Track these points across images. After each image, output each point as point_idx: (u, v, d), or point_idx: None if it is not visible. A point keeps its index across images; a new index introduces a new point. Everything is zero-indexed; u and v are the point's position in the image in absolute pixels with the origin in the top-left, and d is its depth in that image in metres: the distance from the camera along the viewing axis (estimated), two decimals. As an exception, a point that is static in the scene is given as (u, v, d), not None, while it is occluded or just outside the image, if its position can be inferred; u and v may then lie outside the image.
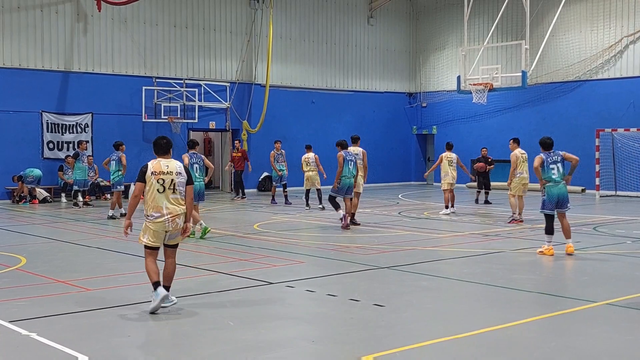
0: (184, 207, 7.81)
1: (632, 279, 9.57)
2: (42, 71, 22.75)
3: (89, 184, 21.62)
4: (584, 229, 14.68)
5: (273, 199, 21.51)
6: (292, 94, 28.19)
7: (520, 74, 22.79)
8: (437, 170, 19.67)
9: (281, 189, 21.46)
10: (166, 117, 24.74)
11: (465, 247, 12.51)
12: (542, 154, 11.55)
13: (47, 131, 22.90)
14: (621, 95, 24.89)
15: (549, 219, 11.38)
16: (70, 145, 23.20)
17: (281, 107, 27.59)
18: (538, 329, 6.98)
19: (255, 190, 27.20)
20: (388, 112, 31.05)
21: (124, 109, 24.26)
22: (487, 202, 21.45)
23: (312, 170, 19.84)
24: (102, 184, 23.27)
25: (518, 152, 16.04)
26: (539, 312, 7.62)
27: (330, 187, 15.44)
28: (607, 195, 23.71)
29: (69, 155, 22.23)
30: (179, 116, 25.03)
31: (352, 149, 15.85)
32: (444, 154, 18.60)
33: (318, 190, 19.84)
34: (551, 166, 11.40)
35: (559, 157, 11.50)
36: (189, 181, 7.88)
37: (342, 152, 15.17)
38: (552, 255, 11.20)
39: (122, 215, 17.01)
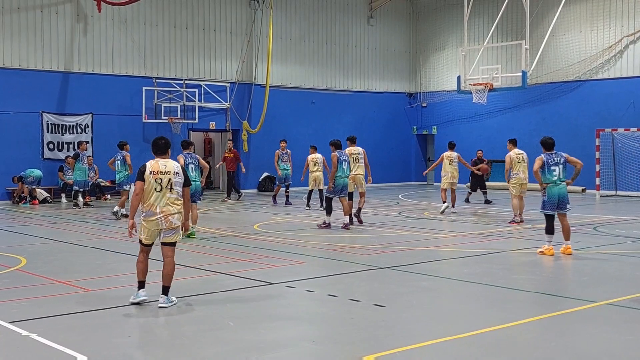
0: (180, 207, 7.94)
1: (632, 279, 9.58)
2: (42, 72, 22.75)
3: (89, 184, 21.63)
4: (584, 229, 14.67)
5: (274, 198, 21.39)
6: (292, 94, 28.19)
7: (520, 74, 22.79)
8: (438, 171, 19.74)
9: (284, 188, 21.45)
10: (166, 117, 24.75)
11: (466, 247, 12.51)
12: (543, 155, 11.47)
13: (47, 132, 22.90)
14: (621, 95, 24.89)
15: (549, 219, 11.38)
16: (71, 145, 23.20)
17: (281, 108, 27.60)
18: (538, 329, 6.98)
19: (255, 190, 27.20)
20: (388, 113, 31.05)
21: (124, 110, 24.26)
22: (487, 201, 21.45)
23: (319, 171, 19.75)
24: (102, 184, 23.28)
25: (513, 154, 16.03)
26: (539, 312, 7.62)
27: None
28: (607, 195, 23.70)
29: (69, 156, 22.24)
30: (179, 117, 25.03)
31: (352, 149, 15.86)
32: (445, 153, 18.77)
33: (320, 190, 19.84)
34: (552, 167, 11.33)
35: (562, 159, 11.43)
36: (186, 182, 8.02)
37: (335, 153, 15.22)
38: (553, 255, 11.20)
39: (123, 215, 17.01)
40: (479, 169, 21.66)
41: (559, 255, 11.26)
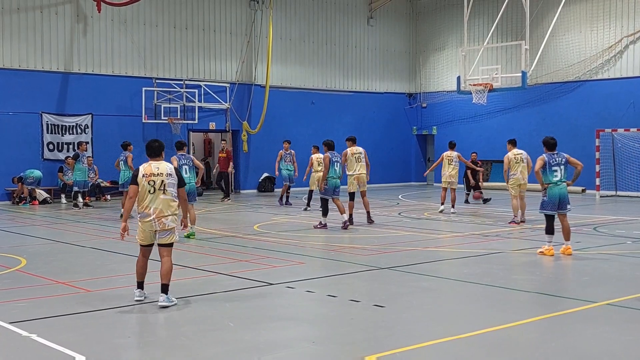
0: (175, 209, 8.03)
1: (632, 279, 9.57)
2: (42, 72, 22.75)
3: (89, 185, 21.63)
4: (584, 229, 14.67)
5: (281, 198, 21.11)
6: (292, 94, 28.19)
7: (520, 74, 22.80)
8: (439, 171, 19.80)
9: (282, 189, 21.42)
10: (166, 118, 24.75)
11: (465, 248, 12.51)
12: (544, 155, 11.46)
13: (47, 132, 22.89)
14: (621, 95, 24.89)
15: (550, 219, 11.37)
16: (70, 146, 23.20)
17: (281, 108, 27.59)
18: (538, 330, 6.98)
19: (255, 190, 27.20)
20: (388, 113, 31.05)
21: (123, 110, 24.26)
22: (485, 200, 21.46)
23: (322, 171, 19.68)
24: (102, 184, 23.29)
25: (511, 154, 16.04)
26: (539, 313, 7.62)
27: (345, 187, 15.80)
28: (607, 196, 23.70)
29: (69, 157, 22.24)
30: (179, 117, 25.03)
31: (354, 148, 15.93)
32: (445, 153, 18.94)
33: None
34: (554, 168, 11.33)
35: (563, 159, 11.43)
36: (181, 183, 8.11)
37: (328, 153, 15.30)
38: (553, 255, 11.20)
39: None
40: (477, 183, 21.71)
41: (559, 256, 11.26)
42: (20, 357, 6.21)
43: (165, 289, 7.91)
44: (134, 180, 8.06)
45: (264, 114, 26.49)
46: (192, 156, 14.21)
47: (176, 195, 8.08)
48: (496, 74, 23.72)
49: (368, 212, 15.97)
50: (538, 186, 11.72)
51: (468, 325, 7.08)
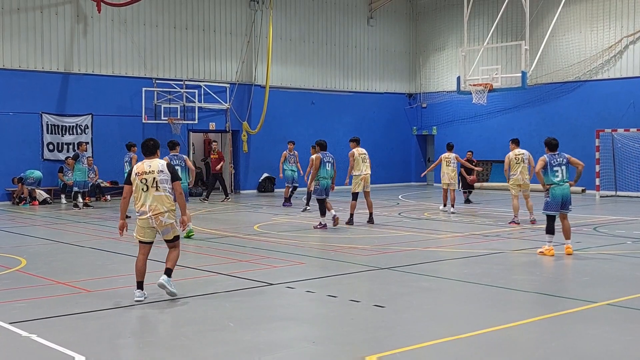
0: (170, 205, 8.13)
1: (632, 279, 9.57)
2: (42, 72, 22.75)
3: (89, 185, 21.64)
4: (584, 229, 14.67)
5: (288, 199, 20.99)
6: (292, 95, 28.19)
7: (520, 74, 22.80)
8: (438, 172, 19.88)
9: (284, 189, 21.40)
10: (166, 118, 24.75)
11: (466, 248, 12.51)
12: (545, 156, 11.48)
13: (47, 132, 22.89)
14: (621, 95, 24.89)
15: (551, 219, 11.38)
16: (70, 146, 23.20)
17: (281, 108, 27.60)
18: (538, 330, 6.98)
19: (255, 191, 27.20)
20: (388, 113, 31.05)
21: (124, 111, 24.27)
22: (467, 201, 21.55)
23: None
24: (102, 185, 23.29)
25: (512, 154, 16.02)
26: (539, 313, 7.62)
27: (349, 187, 15.98)
28: (607, 196, 23.70)
29: (69, 157, 22.24)
30: (179, 117, 25.03)
31: (360, 149, 16.05)
32: (443, 155, 19.22)
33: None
34: (555, 169, 11.35)
35: (564, 160, 11.45)
36: (174, 177, 8.18)
37: (319, 154, 15.40)
38: (553, 255, 11.20)
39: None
40: (471, 181, 21.78)
41: (559, 256, 11.26)
42: (20, 358, 6.21)
43: (168, 272, 8.17)
44: (127, 180, 8.27)
45: (264, 114, 26.49)
46: (184, 156, 14.25)
47: (170, 190, 8.16)
48: (496, 74, 23.73)
49: (370, 213, 16.01)
50: (539, 186, 11.73)
51: (468, 325, 7.08)
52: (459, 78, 24.31)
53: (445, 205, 18.79)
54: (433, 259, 11.24)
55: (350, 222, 15.77)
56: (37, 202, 21.63)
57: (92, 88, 23.60)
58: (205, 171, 28.01)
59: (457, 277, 9.81)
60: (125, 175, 17.58)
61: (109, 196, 23.20)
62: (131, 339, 6.86)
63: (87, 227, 15.93)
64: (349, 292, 8.77)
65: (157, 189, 8.06)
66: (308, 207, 19.38)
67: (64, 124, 23.20)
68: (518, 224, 15.53)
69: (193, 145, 26.74)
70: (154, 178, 8.06)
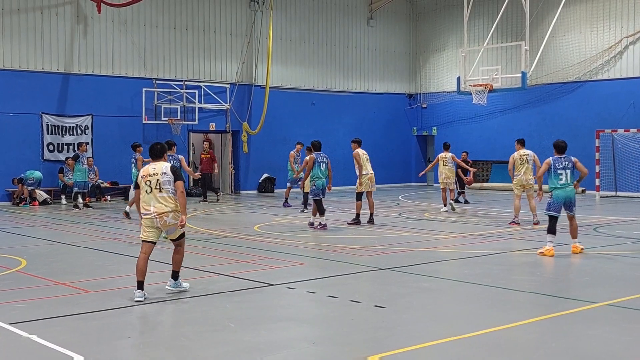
0: (173, 205, 8.34)
1: (632, 279, 9.58)
2: (42, 73, 22.75)
3: (89, 185, 21.64)
4: (584, 229, 14.65)
5: (286, 200, 21.07)
6: (292, 95, 28.20)
7: (520, 75, 22.79)
8: (437, 171, 19.96)
9: (285, 189, 21.39)
10: (166, 118, 24.75)
11: (466, 248, 12.51)
12: (551, 158, 11.55)
13: (47, 133, 22.89)
14: (621, 95, 24.89)
15: (552, 220, 11.42)
16: (70, 147, 23.20)
17: (281, 109, 27.60)
18: (539, 330, 6.98)
19: (255, 191, 27.20)
20: (388, 114, 31.06)
21: (124, 111, 24.27)
22: (457, 200, 21.58)
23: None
24: (102, 185, 23.30)
25: (517, 154, 16.01)
26: (539, 313, 7.62)
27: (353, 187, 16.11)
28: (607, 196, 23.70)
29: (69, 157, 22.24)
30: (179, 118, 25.04)
31: (362, 150, 16.11)
32: (440, 155, 19.50)
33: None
34: (559, 172, 11.42)
35: (570, 164, 11.50)
36: (177, 178, 8.42)
37: (313, 154, 15.49)
38: (552, 256, 11.20)
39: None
40: (468, 182, 21.87)
41: (559, 256, 11.26)
42: (20, 358, 6.21)
43: (175, 275, 8.49)
44: (136, 184, 8.66)
45: (264, 115, 26.49)
46: (180, 156, 14.30)
47: (173, 191, 8.33)
48: (496, 74, 23.72)
49: (372, 213, 16.05)
50: (545, 187, 11.78)
51: (468, 325, 7.08)
52: (459, 78, 24.30)
53: (445, 206, 18.90)
54: (433, 260, 11.24)
55: (357, 222, 15.80)
56: (37, 203, 21.63)
57: (92, 88, 23.60)
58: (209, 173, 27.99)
59: (458, 277, 9.81)
60: (134, 178, 17.99)
61: (109, 197, 23.21)
62: (131, 339, 6.86)
63: (87, 228, 15.93)
64: (349, 292, 8.77)
65: (160, 190, 8.28)
66: (306, 210, 19.39)
67: (64, 125, 23.20)
68: (518, 224, 15.53)
69: (193, 145, 26.73)
70: (158, 180, 8.30)
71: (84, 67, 23.51)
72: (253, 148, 27.14)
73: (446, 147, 19.64)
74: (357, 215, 15.95)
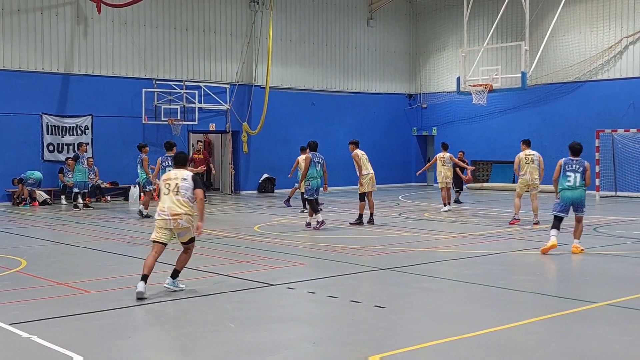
0: (187, 209, 8.58)
1: (632, 279, 9.58)
2: (43, 73, 22.76)
3: (89, 185, 21.65)
4: (584, 229, 14.56)
5: (288, 199, 21.09)
6: (292, 95, 28.20)
7: (520, 75, 22.79)
8: (436, 172, 20.03)
9: (291, 189, 21.38)
10: (166, 119, 24.75)
11: (466, 248, 12.51)
12: (563, 159, 11.72)
13: (47, 133, 22.89)
14: (621, 95, 24.89)
15: (556, 219, 11.57)
16: (70, 147, 23.20)
17: (281, 109, 27.60)
18: (539, 330, 6.98)
19: (255, 191, 27.20)
20: (388, 114, 31.06)
21: (124, 111, 24.27)
22: (457, 201, 21.68)
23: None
24: (102, 186, 23.31)
25: (522, 154, 16.03)
26: (539, 313, 7.62)
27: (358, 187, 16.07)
28: (607, 196, 23.69)
29: (69, 158, 22.24)
30: (179, 118, 25.04)
31: (360, 150, 16.09)
32: (438, 154, 19.73)
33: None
34: (568, 173, 11.54)
35: (581, 168, 11.59)
36: (197, 186, 8.69)
37: (309, 154, 15.59)
38: (555, 247, 11.25)
39: (146, 216, 17.37)
40: (467, 180, 21.98)
41: (559, 256, 11.27)
42: (20, 358, 6.21)
43: (175, 274, 8.65)
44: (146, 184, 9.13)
45: (264, 115, 26.49)
46: None
47: (190, 197, 8.59)
48: (496, 74, 23.73)
49: (371, 213, 16.08)
50: (550, 187, 11.87)
51: (468, 325, 7.08)
52: (458, 79, 24.31)
53: (445, 205, 19.04)
54: (433, 260, 11.25)
55: (359, 222, 15.82)
56: (37, 203, 21.63)
57: (92, 89, 23.60)
58: (206, 172, 27.97)
59: (458, 277, 9.82)
60: (141, 178, 18.23)
61: (109, 197, 23.22)
62: (131, 339, 6.86)
63: (87, 228, 15.93)
64: (350, 292, 8.77)
65: (176, 194, 8.58)
66: (305, 210, 19.38)
67: (64, 125, 23.20)
68: (518, 220, 15.59)
69: (193, 146, 26.72)
70: (177, 183, 8.62)
71: (84, 67, 23.52)
72: (253, 148, 27.15)
73: (444, 147, 19.85)
74: (360, 215, 15.98)
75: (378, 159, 27.95)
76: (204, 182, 22.75)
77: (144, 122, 24.31)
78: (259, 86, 27.05)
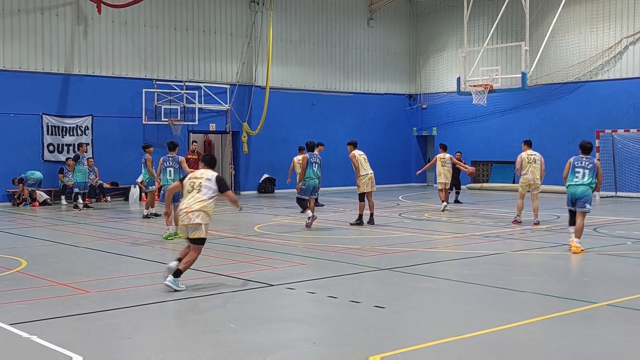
0: (202, 206, 8.84)
1: (632, 279, 9.58)
2: (43, 74, 22.77)
3: (89, 186, 21.65)
4: (584, 229, 14.62)
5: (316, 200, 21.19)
6: (292, 95, 28.21)
7: (520, 75, 22.77)
8: (436, 172, 20.11)
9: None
10: (166, 119, 24.76)
11: (466, 249, 12.51)
12: (572, 157, 12.01)
13: (48, 134, 22.90)
14: (621, 96, 24.89)
15: (570, 213, 11.85)
16: (71, 147, 23.21)
17: (281, 109, 27.61)
18: (539, 330, 6.98)
19: (255, 192, 27.21)
20: (388, 114, 31.07)
21: (124, 112, 24.28)
22: (457, 201, 21.76)
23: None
24: (104, 186, 23.31)
25: (524, 154, 16.06)
26: (539, 313, 7.61)
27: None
28: (607, 196, 23.69)
29: (70, 158, 22.25)
30: (179, 118, 25.04)
31: (358, 151, 16.12)
32: (438, 155, 19.97)
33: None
34: (576, 170, 11.79)
35: (590, 165, 11.80)
36: (224, 189, 9.04)
37: (306, 155, 15.73)
38: (577, 252, 11.42)
39: (154, 215, 17.55)
40: (471, 173, 22.12)
41: (559, 256, 11.28)
42: (20, 358, 6.21)
43: (177, 273, 8.68)
44: (182, 179, 9.38)
45: (264, 115, 26.50)
46: (180, 157, 14.35)
47: (210, 196, 8.90)
48: (496, 75, 23.71)
49: (372, 214, 16.10)
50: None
51: (468, 326, 7.08)
52: (459, 79, 24.29)
53: (443, 202, 19.25)
54: (433, 260, 11.25)
55: (359, 223, 15.84)
56: (37, 203, 21.64)
57: (93, 89, 23.61)
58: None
59: (458, 277, 9.82)
60: (145, 178, 18.31)
61: (109, 197, 23.22)
62: (131, 340, 6.86)
63: (87, 228, 15.94)
64: (350, 292, 8.77)
65: (198, 192, 8.91)
66: (304, 211, 19.41)
67: (65, 125, 23.21)
68: (520, 222, 15.59)
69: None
70: (201, 182, 8.95)
71: (84, 67, 23.53)
72: (253, 148, 27.15)
73: (443, 148, 20.07)
74: (360, 216, 16.00)
75: (378, 159, 27.97)
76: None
77: (144, 122, 24.32)
78: (259, 86, 27.06)
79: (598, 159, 12.15)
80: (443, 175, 19.34)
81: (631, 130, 24.06)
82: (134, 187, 23.45)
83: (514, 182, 25.66)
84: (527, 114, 27.58)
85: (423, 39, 31.51)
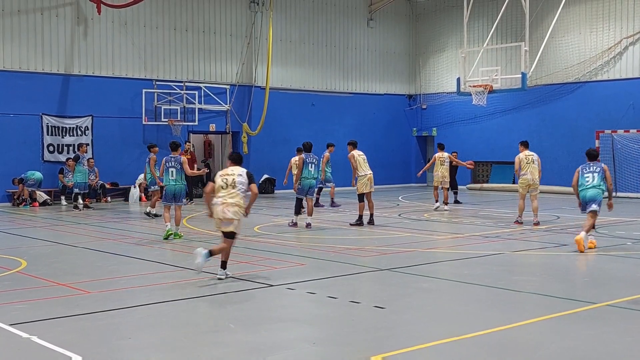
0: (237, 201, 9.53)
1: (632, 280, 9.58)
2: (43, 74, 22.76)
3: (88, 186, 21.66)
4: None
5: (332, 201, 21.09)
6: (292, 96, 28.20)
7: (520, 75, 22.78)
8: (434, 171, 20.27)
9: (315, 190, 21.37)
10: (166, 119, 24.76)
11: (466, 249, 12.52)
12: (580, 166, 12.39)
13: (48, 134, 22.89)
14: (621, 96, 24.89)
15: (587, 215, 12.15)
16: (71, 148, 23.21)
17: (281, 110, 27.60)
18: (539, 330, 6.98)
19: (255, 192, 27.16)
20: (388, 114, 31.07)
21: (124, 112, 24.28)
22: (457, 201, 21.79)
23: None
24: (105, 186, 23.31)
25: (522, 155, 16.09)
26: (539, 314, 7.62)
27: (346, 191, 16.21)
28: (607, 197, 23.63)
29: (70, 158, 22.25)
30: (179, 119, 25.04)
31: (358, 151, 16.20)
32: (436, 154, 20.22)
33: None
34: (586, 175, 12.21)
35: (598, 168, 12.21)
36: (251, 182, 9.76)
37: (303, 155, 15.96)
38: (594, 246, 11.87)
39: (154, 215, 17.58)
40: (470, 164, 22.49)
41: (559, 256, 11.27)
42: (20, 359, 6.21)
43: (223, 264, 9.53)
44: (212, 179, 9.99)
45: (264, 116, 26.49)
46: (182, 157, 14.39)
47: (244, 190, 9.65)
48: (496, 75, 23.72)
49: (371, 214, 16.12)
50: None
51: (468, 326, 7.08)
52: (458, 79, 24.30)
53: (437, 202, 19.55)
54: (433, 260, 11.25)
55: (359, 223, 15.86)
56: (37, 204, 21.64)
57: (93, 89, 23.61)
58: (207, 173, 28.00)
59: (458, 278, 9.82)
60: (147, 178, 18.40)
61: (109, 197, 23.23)
62: (131, 339, 6.86)
63: (87, 229, 15.94)
64: (350, 293, 8.77)
65: (233, 187, 9.62)
66: (304, 210, 19.37)
67: (65, 126, 23.20)
68: (521, 223, 15.60)
69: (193, 146, 26.74)
70: (234, 179, 9.67)
71: (84, 68, 23.53)
72: (253, 149, 27.14)
73: (441, 147, 20.34)
74: (360, 216, 16.02)
75: (378, 159, 27.97)
76: (204, 184, 22.78)
77: (144, 122, 24.32)
78: (259, 87, 27.05)
79: (605, 165, 12.41)
80: (441, 174, 19.61)
81: (631, 130, 24.06)
82: (134, 187, 23.45)
83: (513, 183, 25.64)
84: (527, 114, 27.58)
85: (423, 40, 31.52)
